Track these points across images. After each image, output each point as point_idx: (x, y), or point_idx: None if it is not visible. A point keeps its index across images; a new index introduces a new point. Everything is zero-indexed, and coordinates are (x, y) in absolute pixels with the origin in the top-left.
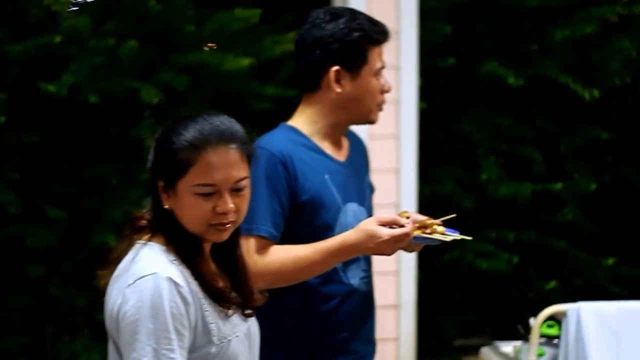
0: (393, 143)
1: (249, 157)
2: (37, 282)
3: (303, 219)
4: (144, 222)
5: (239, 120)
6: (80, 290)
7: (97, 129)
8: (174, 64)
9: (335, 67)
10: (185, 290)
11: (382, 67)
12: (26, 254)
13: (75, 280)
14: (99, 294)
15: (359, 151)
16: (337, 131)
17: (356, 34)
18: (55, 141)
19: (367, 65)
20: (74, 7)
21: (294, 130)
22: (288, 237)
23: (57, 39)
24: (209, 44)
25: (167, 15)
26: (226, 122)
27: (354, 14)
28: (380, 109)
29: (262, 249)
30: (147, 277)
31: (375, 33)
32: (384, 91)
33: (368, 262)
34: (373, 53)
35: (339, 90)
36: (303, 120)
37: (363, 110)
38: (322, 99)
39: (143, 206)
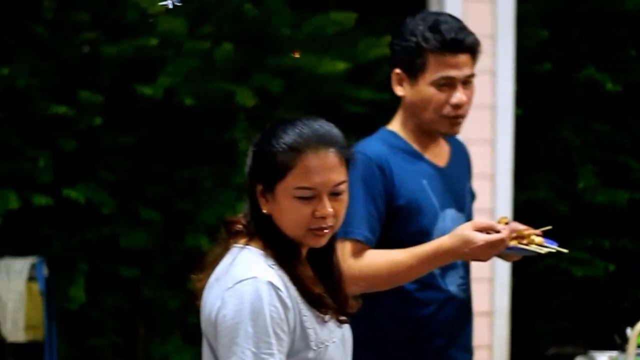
0: (489, 148)
1: (348, 162)
2: (130, 283)
3: (400, 223)
4: (239, 226)
5: (333, 124)
6: (172, 292)
7: (192, 131)
8: (269, 67)
9: (397, 70)
10: (284, 294)
11: (450, 78)
12: (120, 255)
13: (168, 282)
14: (192, 296)
15: (460, 157)
16: (425, 135)
17: (413, 38)
18: (150, 143)
19: (424, 73)
20: (169, 9)
21: (393, 134)
22: (385, 241)
23: (153, 41)
24: (295, 52)
25: (263, 18)
26: (325, 126)
27: (424, 19)
28: (454, 122)
29: (357, 253)
30: (247, 281)
31: (428, 40)
32: (453, 104)
33: (466, 269)
34: (434, 61)
35: (401, 93)
36: (398, 124)
37: (426, 119)
38: (402, 102)
39: (236, 209)
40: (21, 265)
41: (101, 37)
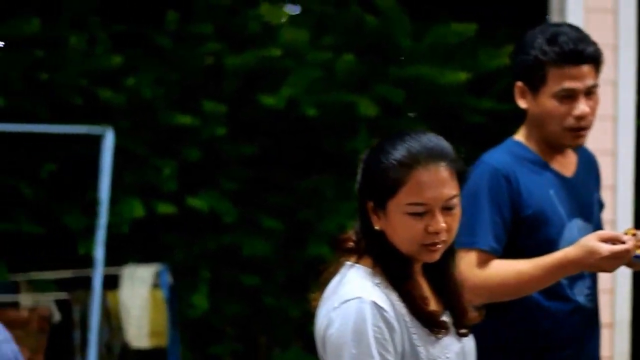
0: (610, 159)
1: (459, 175)
2: (251, 291)
3: (526, 233)
4: (351, 243)
5: (453, 134)
6: (293, 300)
7: (313, 141)
8: (391, 77)
9: (519, 83)
10: (390, 314)
11: (571, 90)
12: (241, 263)
13: (289, 290)
14: (311, 308)
15: (588, 167)
16: (551, 146)
17: (532, 52)
18: (272, 153)
19: (545, 86)
20: (291, 20)
21: (519, 144)
22: (511, 251)
23: (276, 52)
24: None
25: (384, 29)
26: (434, 139)
27: (543, 31)
28: (578, 134)
29: (482, 263)
30: (351, 301)
31: (546, 53)
32: (576, 116)
33: (593, 279)
34: (554, 74)
35: (524, 106)
36: (524, 135)
37: (549, 131)
38: (526, 114)
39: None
40: (145, 273)
41: (224, 48)
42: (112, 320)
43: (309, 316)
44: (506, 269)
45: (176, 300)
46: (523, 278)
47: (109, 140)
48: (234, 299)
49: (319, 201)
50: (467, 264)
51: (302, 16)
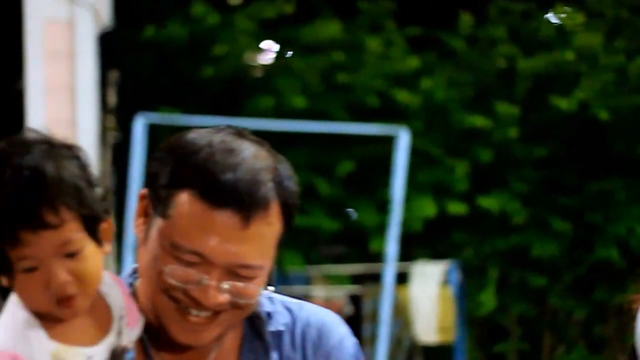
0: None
1: None
2: (537, 292)
3: None
4: None
5: None
6: (579, 302)
7: (604, 144)
8: None
9: None
10: None
11: None
12: (529, 264)
13: (575, 292)
14: (599, 307)
15: None
16: None
17: None
18: (562, 155)
19: None
20: (585, 24)
21: None
22: None
23: (569, 55)
24: None
25: None
26: None
27: None
28: None
29: None
30: None
31: None
32: None
33: None
34: None
35: None
36: None
37: None
38: None
39: None
40: (435, 269)
41: (517, 51)
42: (401, 314)
43: (595, 317)
44: None
45: (464, 298)
46: None
47: (403, 140)
48: (521, 299)
49: (608, 204)
50: None
51: (596, 20)
